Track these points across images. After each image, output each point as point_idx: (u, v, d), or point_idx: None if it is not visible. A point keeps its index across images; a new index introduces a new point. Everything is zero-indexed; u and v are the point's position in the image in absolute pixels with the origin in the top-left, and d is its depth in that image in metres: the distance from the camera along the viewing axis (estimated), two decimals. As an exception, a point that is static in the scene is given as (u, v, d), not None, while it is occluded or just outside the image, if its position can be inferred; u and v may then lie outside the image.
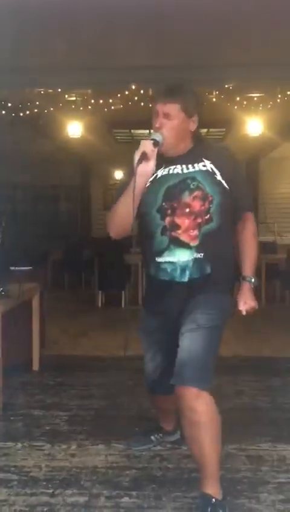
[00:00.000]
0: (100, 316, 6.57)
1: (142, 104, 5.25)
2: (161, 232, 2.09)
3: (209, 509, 2.02)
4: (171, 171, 2.11)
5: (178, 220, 2.06)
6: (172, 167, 2.11)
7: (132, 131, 8.24)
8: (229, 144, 8.29)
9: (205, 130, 7.37)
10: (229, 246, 2.20)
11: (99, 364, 4.31)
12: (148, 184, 2.08)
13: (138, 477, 2.42)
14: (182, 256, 2.08)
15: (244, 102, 5.48)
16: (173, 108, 2.07)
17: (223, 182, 2.09)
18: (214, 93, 5.17)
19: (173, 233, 2.07)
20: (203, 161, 2.11)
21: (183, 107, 2.08)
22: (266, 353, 4.61)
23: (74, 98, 5.44)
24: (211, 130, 7.63)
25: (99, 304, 7.12)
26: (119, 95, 5.22)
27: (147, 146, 1.99)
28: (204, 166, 2.10)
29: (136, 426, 2.90)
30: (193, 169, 2.09)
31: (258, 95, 5.39)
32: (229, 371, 3.82)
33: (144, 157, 1.98)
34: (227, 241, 2.18)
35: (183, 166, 2.11)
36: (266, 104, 5.56)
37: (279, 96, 5.23)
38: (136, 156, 1.99)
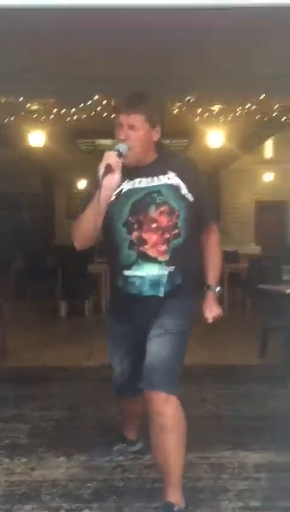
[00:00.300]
0: (63, 326, 6.51)
1: (105, 114, 5.28)
2: (128, 246, 2.10)
3: None
4: (136, 185, 2.11)
5: (145, 235, 2.08)
6: (137, 180, 2.11)
7: (95, 141, 8.26)
8: (191, 154, 8.40)
9: (167, 141, 7.46)
10: (196, 256, 2.26)
11: (61, 374, 4.26)
12: (113, 198, 2.07)
13: (99, 488, 2.39)
14: (151, 271, 2.09)
15: (205, 115, 5.58)
16: (137, 120, 2.06)
17: (188, 195, 2.11)
18: (175, 104, 5.24)
19: (141, 248, 2.08)
20: (168, 173, 2.12)
21: (147, 117, 2.08)
22: (229, 361, 4.67)
23: (36, 107, 5.40)
24: (173, 141, 7.74)
25: (63, 314, 7.06)
26: (82, 105, 5.23)
27: (111, 158, 1.97)
28: (169, 179, 2.11)
29: (98, 437, 2.88)
30: (158, 183, 2.10)
31: (218, 107, 5.50)
32: (193, 379, 3.84)
33: (109, 169, 1.96)
34: (194, 251, 2.23)
35: (149, 178, 2.11)
36: (227, 117, 5.68)
37: (239, 109, 5.34)
38: (101, 169, 1.96)
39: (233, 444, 2.83)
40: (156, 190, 2.09)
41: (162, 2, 2.16)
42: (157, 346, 2.09)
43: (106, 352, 2.40)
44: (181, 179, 2.11)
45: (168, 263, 2.10)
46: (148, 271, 2.10)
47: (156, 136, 2.13)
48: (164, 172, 2.11)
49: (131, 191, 2.11)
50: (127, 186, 2.11)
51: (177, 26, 3.37)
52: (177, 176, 2.12)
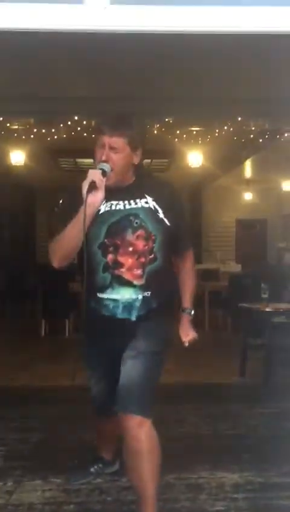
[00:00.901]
0: (43, 346, 6.45)
1: (85, 134, 5.33)
2: (103, 269, 2.08)
3: None
4: (113, 207, 2.09)
5: (121, 259, 2.06)
6: (114, 202, 2.09)
7: (77, 160, 8.30)
8: (172, 174, 8.51)
9: (148, 161, 7.55)
10: (172, 279, 2.26)
11: (39, 395, 4.20)
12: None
13: (76, 511, 2.37)
14: (125, 294, 2.08)
15: (184, 136, 5.67)
16: (119, 143, 2.03)
17: (165, 219, 2.11)
18: (155, 125, 5.32)
19: (116, 271, 2.07)
20: (146, 197, 2.10)
21: (130, 141, 2.05)
22: (208, 380, 4.66)
23: (16, 127, 5.43)
24: (154, 160, 7.82)
25: (43, 333, 6.99)
26: (62, 125, 5.27)
27: (96, 175, 1.95)
28: (146, 203, 2.10)
29: (76, 459, 2.85)
30: (135, 206, 2.09)
31: (197, 129, 5.59)
32: (170, 399, 3.83)
33: (93, 186, 1.94)
34: (170, 275, 2.24)
35: (126, 202, 2.09)
36: (205, 138, 5.78)
37: (217, 130, 5.45)
38: (85, 186, 1.94)
39: (211, 464, 2.82)
40: (133, 213, 2.08)
41: (141, 27, 2.21)
42: (131, 368, 2.07)
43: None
44: (158, 204, 2.11)
45: (143, 287, 2.09)
46: (123, 295, 2.08)
47: (136, 159, 2.12)
48: (142, 196, 2.11)
49: (108, 213, 2.09)
50: (103, 208, 2.08)
51: (157, 49, 3.45)
52: (154, 200, 2.11)
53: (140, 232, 2.07)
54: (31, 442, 3.18)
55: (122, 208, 2.09)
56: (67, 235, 2.03)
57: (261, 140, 5.98)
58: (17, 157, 6.73)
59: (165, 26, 2.24)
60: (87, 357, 2.36)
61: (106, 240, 2.08)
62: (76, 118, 4.96)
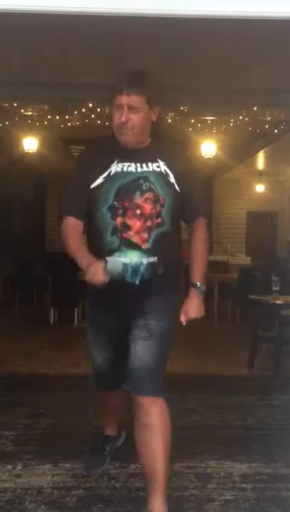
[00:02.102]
0: (52, 334, 6.48)
1: (99, 122, 5.30)
2: (112, 231, 2.06)
3: None
4: (125, 169, 2.06)
5: (129, 221, 2.04)
6: (126, 164, 2.06)
7: (89, 148, 8.27)
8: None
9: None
10: (178, 247, 2.21)
11: (49, 382, 4.23)
12: (101, 181, 2.06)
13: (84, 497, 2.37)
14: (133, 258, 2.05)
15: (199, 125, 5.62)
16: (138, 101, 1.97)
17: (176, 184, 2.08)
18: (169, 114, 5.28)
19: (125, 235, 2.05)
20: (158, 161, 2.08)
21: (148, 98, 1.99)
22: (217, 371, 4.66)
23: (30, 113, 5.42)
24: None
25: (52, 321, 7.02)
26: (76, 112, 5.24)
27: (98, 276, 1.95)
28: (158, 167, 2.07)
29: (84, 444, 2.86)
30: (147, 169, 2.06)
31: (212, 118, 5.54)
32: (179, 389, 3.83)
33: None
34: (176, 242, 2.19)
35: (138, 164, 2.06)
36: (220, 128, 5.72)
37: (231, 120, 5.39)
38: (88, 277, 1.98)
39: (220, 454, 2.82)
40: (144, 176, 2.05)
41: (156, 10, 2.17)
42: (143, 350, 2.09)
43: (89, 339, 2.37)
44: (169, 168, 2.08)
45: (148, 252, 2.06)
46: (131, 258, 2.05)
47: (154, 116, 2.08)
48: (154, 160, 2.08)
49: (119, 174, 2.06)
50: (115, 168, 2.06)
51: (172, 35, 3.41)
52: (165, 164, 2.08)
53: (148, 194, 2.04)
54: (40, 428, 3.20)
55: (133, 170, 2.06)
56: (70, 250, 2.11)
57: (276, 131, 5.91)
58: (30, 143, 6.71)
59: (182, 9, 2.21)
60: (91, 325, 2.34)
61: (115, 202, 2.05)
62: (90, 105, 4.93)
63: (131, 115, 1.98)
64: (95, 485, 2.48)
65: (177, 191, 2.08)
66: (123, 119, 1.98)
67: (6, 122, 5.73)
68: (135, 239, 2.04)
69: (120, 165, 2.06)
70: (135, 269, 2.06)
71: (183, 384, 4.04)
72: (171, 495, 2.25)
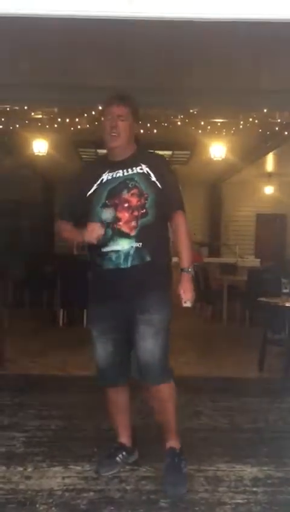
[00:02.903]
0: (61, 335, 6.49)
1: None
2: (106, 225, 2.39)
3: (175, 459, 2.50)
4: (114, 175, 2.45)
5: (119, 214, 2.38)
6: (115, 172, 2.45)
7: (98, 150, 8.29)
8: (193, 166, 8.45)
9: (169, 152, 7.50)
10: (165, 238, 2.53)
11: (58, 384, 4.24)
12: (95, 187, 2.44)
13: (95, 499, 2.37)
14: (124, 245, 2.37)
15: (208, 127, 5.61)
16: (125, 111, 2.43)
17: (157, 182, 2.42)
18: (179, 116, 5.28)
19: (115, 225, 2.38)
20: (141, 165, 2.45)
21: (132, 111, 2.47)
22: (227, 373, 4.65)
23: (40, 116, 5.44)
24: (175, 152, 7.77)
25: (61, 323, 7.03)
26: (85, 115, 5.26)
27: (96, 232, 2.37)
28: (141, 169, 2.44)
29: (94, 447, 2.87)
30: (132, 172, 2.43)
31: (221, 120, 5.54)
32: (188, 392, 3.82)
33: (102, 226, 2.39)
34: (162, 233, 2.49)
35: (124, 170, 2.44)
36: (229, 130, 5.71)
37: (241, 122, 5.38)
38: (86, 237, 2.39)
39: (230, 457, 2.81)
40: (129, 178, 2.42)
41: (166, 14, 2.18)
42: (152, 346, 2.40)
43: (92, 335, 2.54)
44: (151, 170, 2.44)
45: (135, 238, 2.37)
46: (123, 245, 2.37)
47: (136, 128, 2.53)
48: (137, 165, 2.45)
49: (109, 181, 2.44)
50: (106, 176, 2.45)
51: (181, 38, 3.41)
52: (147, 167, 2.45)
53: (134, 190, 2.40)
54: (51, 430, 3.21)
55: (121, 175, 2.44)
56: (64, 235, 2.60)
57: (286, 133, 5.89)
58: (40, 146, 6.74)
59: (193, 13, 2.22)
60: (94, 316, 2.57)
61: (106, 201, 2.42)
62: (100, 107, 4.94)
63: (119, 122, 2.42)
64: (106, 488, 2.48)
65: (159, 187, 2.42)
66: (113, 124, 2.41)
67: (17, 125, 5.76)
68: (124, 228, 2.38)
69: (111, 174, 2.45)
70: (126, 255, 2.37)
71: (192, 386, 4.03)
72: (182, 498, 2.25)
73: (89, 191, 2.46)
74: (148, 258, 2.38)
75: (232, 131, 5.71)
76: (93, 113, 5.11)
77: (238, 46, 3.49)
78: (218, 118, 5.41)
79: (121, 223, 2.38)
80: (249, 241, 11.82)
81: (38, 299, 8.53)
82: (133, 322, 2.42)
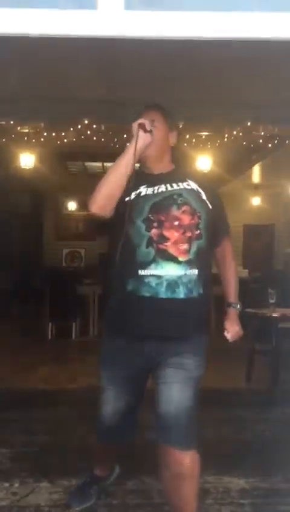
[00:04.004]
0: (50, 348, 6.46)
1: (94, 138, 5.35)
2: (147, 244, 1.93)
3: None
4: (155, 191, 2.01)
5: (166, 233, 1.93)
6: (156, 187, 2.02)
7: (85, 163, 8.33)
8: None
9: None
10: (211, 268, 2.11)
11: (46, 398, 4.21)
12: (133, 197, 1.98)
13: (82, 514, 2.37)
14: (170, 271, 1.91)
15: (193, 140, 5.67)
16: (158, 116, 2.09)
17: (207, 201, 2.05)
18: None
19: (161, 246, 1.92)
20: (187, 181, 2.07)
21: (166, 119, 2.12)
22: (213, 384, 4.64)
23: (26, 130, 5.47)
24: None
25: (50, 336, 7.01)
26: (72, 129, 5.30)
27: (145, 121, 2.00)
28: (188, 185, 2.05)
29: (81, 461, 2.85)
30: (178, 187, 2.03)
31: (206, 133, 5.60)
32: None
33: (143, 127, 1.98)
34: (210, 262, 2.10)
35: (168, 185, 2.03)
36: (214, 143, 5.78)
37: (226, 135, 5.45)
38: (135, 125, 1.99)
39: (217, 469, 2.81)
40: (177, 193, 2.01)
41: (150, 33, 2.23)
42: (180, 396, 1.94)
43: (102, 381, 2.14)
44: (200, 187, 2.07)
45: (188, 264, 1.93)
46: (167, 270, 1.91)
47: (173, 140, 2.15)
48: (183, 180, 2.07)
49: (150, 195, 2.01)
50: (146, 191, 2.02)
51: (166, 54, 3.47)
52: (196, 183, 2.08)
53: (185, 207, 1.98)
54: (38, 444, 3.19)
55: (164, 190, 2.02)
56: (114, 167, 1.98)
57: (270, 145, 5.97)
58: (27, 160, 6.76)
59: (176, 32, 2.26)
60: (109, 354, 2.09)
61: (150, 215, 1.96)
62: (86, 121, 4.98)
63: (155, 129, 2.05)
64: (93, 503, 2.47)
65: (209, 207, 2.04)
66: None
67: (3, 139, 5.78)
68: (172, 250, 1.92)
69: (150, 188, 2.02)
70: (171, 283, 1.91)
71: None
72: (169, 510, 2.25)
73: (126, 197, 1.99)
74: (200, 291, 1.95)
75: (217, 144, 5.78)
76: (79, 127, 5.14)
77: (222, 61, 3.54)
78: (203, 131, 5.48)
79: (168, 244, 1.91)
80: (236, 252, 11.81)
81: (27, 312, 8.50)
82: (158, 367, 1.97)
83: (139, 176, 2.02)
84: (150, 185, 2.02)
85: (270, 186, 10.37)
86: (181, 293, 1.92)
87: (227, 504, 2.47)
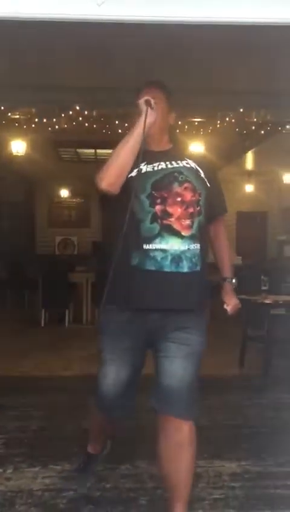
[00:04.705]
0: (43, 336, 6.47)
1: (86, 124, 5.31)
2: (151, 219, 1.96)
3: None
4: (155, 168, 2.03)
5: (170, 209, 1.97)
6: (156, 164, 2.04)
7: (78, 150, 8.28)
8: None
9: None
10: (207, 244, 2.15)
11: (39, 384, 4.23)
12: (135, 174, 1.99)
13: (74, 498, 2.39)
14: (174, 245, 1.95)
15: (186, 127, 5.65)
16: (159, 93, 2.08)
17: (206, 180, 2.07)
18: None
19: (165, 221, 1.96)
20: (186, 160, 2.09)
21: (166, 96, 2.12)
22: (206, 371, 4.65)
23: (17, 116, 5.42)
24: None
25: (43, 323, 7.02)
26: (63, 115, 5.25)
27: (150, 98, 1.99)
28: (187, 164, 2.07)
29: (75, 447, 2.87)
30: (177, 165, 2.05)
31: (199, 120, 5.57)
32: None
33: (149, 103, 1.98)
34: (207, 243, 2.13)
35: (167, 162, 2.05)
36: (207, 129, 5.76)
37: (218, 122, 5.43)
38: (142, 102, 1.99)
39: (209, 454, 2.84)
40: (177, 170, 2.03)
41: (143, 17, 2.20)
42: (183, 369, 1.99)
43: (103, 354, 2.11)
44: (199, 166, 2.09)
45: (191, 238, 1.98)
46: (172, 245, 1.95)
47: (172, 120, 2.17)
48: (182, 159, 2.09)
49: (151, 173, 2.03)
50: (145, 168, 2.02)
51: (158, 39, 3.43)
52: (194, 162, 2.10)
53: (187, 184, 2.01)
54: (31, 430, 3.21)
55: (164, 167, 2.04)
56: (124, 146, 1.99)
57: (262, 132, 5.96)
58: (18, 146, 6.72)
59: (164, 16, 2.24)
60: (109, 324, 2.08)
61: (153, 192, 1.99)
62: (77, 107, 4.94)
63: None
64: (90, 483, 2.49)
65: (207, 185, 2.07)
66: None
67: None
68: (176, 225, 1.96)
69: (149, 166, 2.03)
70: (176, 257, 1.95)
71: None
72: (161, 495, 2.28)
73: (129, 173, 2.00)
74: (202, 264, 2.01)
75: (209, 131, 5.76)
76: (71, 113, 5.10)
77: (213, 46, 3.52)
78: (195, 118, 5.45)
79: (172, 219, 1.96)
80: (230, 239, 11.78)
81: (20, 299, 8.50)
82: (159, 341, 2.00)
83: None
84: (150, 162, 2.03)
85: (263, 173, 10.38)
86: (185, 267, 1.96)
87: (219, 488, 2.50)
